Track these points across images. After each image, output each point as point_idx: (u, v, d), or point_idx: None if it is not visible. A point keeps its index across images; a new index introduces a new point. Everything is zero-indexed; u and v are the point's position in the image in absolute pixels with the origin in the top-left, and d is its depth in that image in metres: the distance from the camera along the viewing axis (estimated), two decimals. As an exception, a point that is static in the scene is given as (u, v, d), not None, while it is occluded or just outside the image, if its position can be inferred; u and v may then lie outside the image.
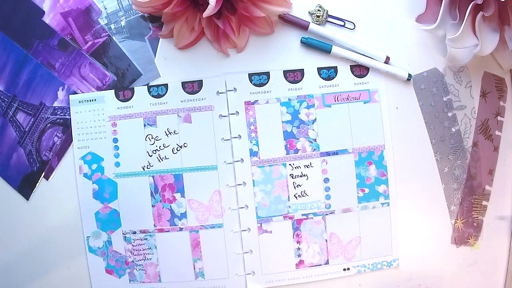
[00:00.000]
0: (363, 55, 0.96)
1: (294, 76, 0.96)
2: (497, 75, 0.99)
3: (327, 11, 0.96)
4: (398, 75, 0.95)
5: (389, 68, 0.96)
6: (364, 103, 0.96)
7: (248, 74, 0.96)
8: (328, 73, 0.96)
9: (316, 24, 0.95)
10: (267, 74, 0.96)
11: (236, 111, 0.95)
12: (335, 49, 0.95)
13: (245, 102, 0.95)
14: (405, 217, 0.97)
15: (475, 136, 0.98)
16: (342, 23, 0.96)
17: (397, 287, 0.97)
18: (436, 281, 0.99)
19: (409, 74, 0.96)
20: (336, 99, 0.96)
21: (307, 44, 0.95)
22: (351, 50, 0.95)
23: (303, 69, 0.96)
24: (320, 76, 0.96)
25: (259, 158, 0.95)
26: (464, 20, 0.85)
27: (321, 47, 0.95)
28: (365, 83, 0.96)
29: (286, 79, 0.96)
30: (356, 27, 0.97)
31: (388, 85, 0.97)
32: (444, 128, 0.98)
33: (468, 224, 0.98)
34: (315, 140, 0.95)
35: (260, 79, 0.95)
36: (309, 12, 0.96)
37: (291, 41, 0.96)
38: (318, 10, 0.95)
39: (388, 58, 0.96)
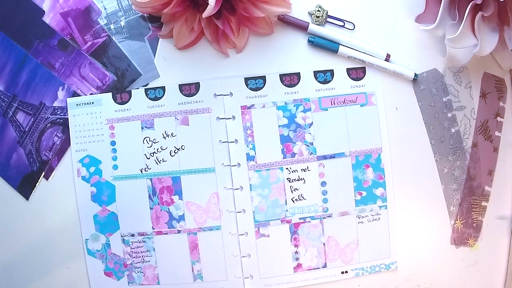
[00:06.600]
0: (367, 54, 0.95)
1: (290, 79, 0.95)
2: (497, 75, 0.99)
3: (327, 12, 0.95)
4: (404, 74, 0.95)
5: (395, 68, 0.95)
6: (361, 106, 0.96)
7: (244, 78, 0.95)
8: (325, 77, 0.96)
9: (315, 24, 0.95)
10: (263, 78, 0.95)
11: (233, 116, 0.95)
12: (342, 49, 0.95)
13: (241, 106, 0.95)
14: (403, 219, 0.97)
15: (474, 136, 0.98)
16: (341, 23, 0.96)
17: (395, 288, 0.98)
18: (436, 282, 0.99)
19: (415, 74, 0.96)
20: (332, 102, 0.95)
21: (314, 44, 0.95)
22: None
23: (299, 73, 0.95)
24: (317, 80, 0.95)
25: (256, 163, 0.95)
26: (464, 20, 0.84)
27: (329, 47, 0.95)
28: (362, 86, 0.96)
29: (283, 83, 0.95)
30: (356, 27, 0.96)
31: (387, 86, 0.96)
32: (443, 129, 0.97)
33: (468, 225, 0.98)
34: (312, 143, 0.95)
35: (256, 83, 0.95)
36: (308, 13, 0.95)
37: (292, 42, 0.96)
38: (318, 11, 0.95)
39: (388, 55, 0.95)
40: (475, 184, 0.98)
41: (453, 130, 0.98)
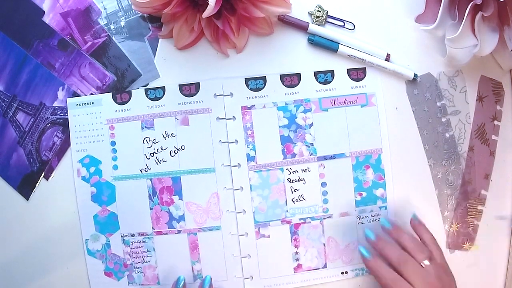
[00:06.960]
0: (367, 53, 0.95)
1: (290, 80, 0.95)
2: (494, 79, 0.99)
3: (327, 12, 0.95)
4: (404, 74, 0.95)
5: (395, 67, 0.95)
6: (361, 106, 0.96)
7: (245, 78, 0.95)
8: (325, 77, 0.96)
9: (315, 24, 0.95)
10: (264, 78, 0.95)
11: (233, 116, 0.95)
12: (342, 48, 0.95)
13: (241, 107, 0.95)
14: (403, 220, 0.96)
15: (471, 140, 0.98)
16: (341, 23, 0.96)
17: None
18: (435, 282, 0.99)
19: (415, 74, 0.96)
20: (333, 103, 0.95)
21: (314, 42, 0.95)
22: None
23: (299, 73, 0.95)
24: (317, 80, 0.95)
25: (256, 163, 0.95)
26: (464, 20, 0.84)
27: (328, 46, 0.95)
28: (362, 86, 0.96)
29: (283, 84, 0.95)
30: (356, 27, 0.96)
31: (387, 86, 0.97)
32: (437, 134, 0.98)
33: (463, 229, 0.98)
34: (312, 144, 0.95)
35: (256, 83, 0.95)
36: (308, 13, 0.95)
37: (292, 42, 0.96)
38: (318, 11, 0.95)
39: (388, 55, 0.95)
40: (470, 188, 0.99)
41: (447, 135, 0.98)
